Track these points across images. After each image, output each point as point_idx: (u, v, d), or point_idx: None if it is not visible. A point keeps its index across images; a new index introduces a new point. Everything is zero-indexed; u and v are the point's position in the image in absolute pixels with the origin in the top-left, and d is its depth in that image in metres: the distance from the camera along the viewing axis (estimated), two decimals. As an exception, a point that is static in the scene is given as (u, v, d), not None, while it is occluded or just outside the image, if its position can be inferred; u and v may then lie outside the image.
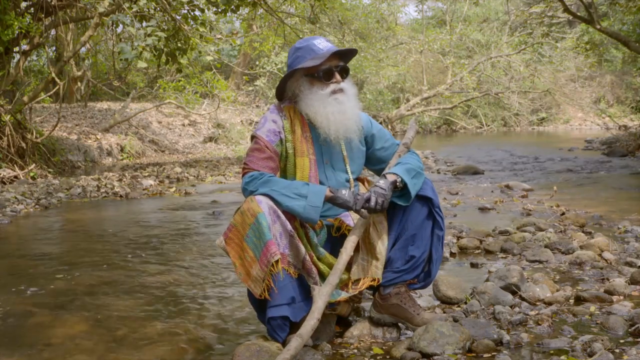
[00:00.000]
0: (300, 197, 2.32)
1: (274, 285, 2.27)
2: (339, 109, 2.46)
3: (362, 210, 2.34)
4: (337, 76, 2.49)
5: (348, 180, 2.57)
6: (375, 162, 2.66)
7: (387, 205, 2.35)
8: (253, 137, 2.51)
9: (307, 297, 2.36)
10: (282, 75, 2.57)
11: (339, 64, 2.50)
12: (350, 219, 2.52)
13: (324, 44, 2.48)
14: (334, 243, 2.51)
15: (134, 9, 9.13)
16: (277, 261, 2.24)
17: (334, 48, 2.48)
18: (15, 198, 6.75)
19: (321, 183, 2.50)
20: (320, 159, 2.53)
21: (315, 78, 2.49)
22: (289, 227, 2.33)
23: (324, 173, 2.52)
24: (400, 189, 2.40)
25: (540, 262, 3.63)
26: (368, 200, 2.32)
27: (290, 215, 2.35)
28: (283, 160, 2.52)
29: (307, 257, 2.35)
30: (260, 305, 2.39)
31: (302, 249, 2.34)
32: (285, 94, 2.58)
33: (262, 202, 2.30)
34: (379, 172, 2.60)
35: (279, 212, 2.31)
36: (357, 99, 2.56)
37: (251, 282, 2.31)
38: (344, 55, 2.55)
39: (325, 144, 2.53)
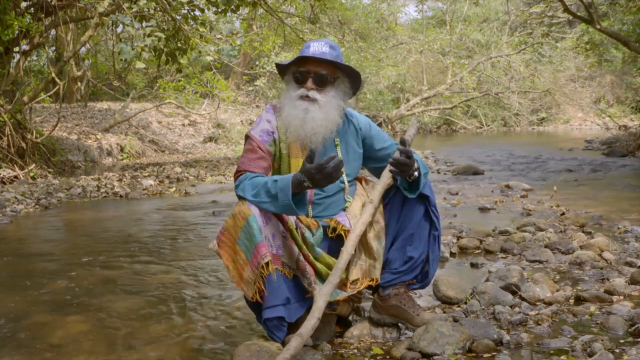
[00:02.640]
0: (272, 198, 2.28)
1: (265, 287, 2.27)
2: (301, 117, 2.41)
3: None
4: (309, 82, 2.44)
5: (342, 182, 2.55)
6: (375, 161, 2.66)
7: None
8: (247, 137, 2.50)
9: (303, 298, 2.36)
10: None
11: (318, 72, 2.44)
12: (346, 219, 2.51)
13: (314, 48, 2.44)
14: (331, 243, 2.50)
15: (134, 9, 9.13)
16: (267, 263, 2.23)
17: (318, 54, 2.42)
18: (15, 198, 6.75)
19: None
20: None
21: (293, 79, 2.50)
22: (281, 227, 2.33)
23: None
24: (412, 180, 2.41)
25: (540, 262, 3.63)
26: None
27: (282, 215, 2.35)
28: (277, 161, 2.51)
29: (301, 258, 2.34)
30: (257, 307, 2.39)
31: (296, 249, 2.34)
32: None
33: (252, 204, 2.30)
34: (379, 172, 2.59)
35: (270, 213, 2.31)
36: (334, 111, 2.46)
37: (244, 284, 2.30)
38: (347, 69, 2.50)
39: (320, 147, 2.52)
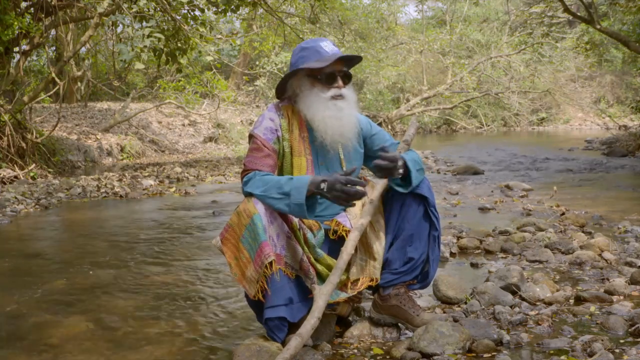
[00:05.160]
0: (284, 195, 2.30)
1: (268, 286, 2.27)
2: (336, 115, 2.45)
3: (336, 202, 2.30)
4: (340, 81, 2.49)
5: None
6: (375, 160, 2.66)
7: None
8: (251, 137, 2.51)
9: (305, 298, 2.36)
10: (283, 75, 2.58)
11: (342, 69, 2.50)
12: (347, 220, 2.51)
13: (330, 47, 2.49)
14: (332, 244, 2.50)
15: (134, 9, 9.13)
16: (270, 262, 2.23)
17: (340, 53, 2.49)
18: (15, 198, 6.75)
19: None
20: (315, 160, 2.53)
21: (317, 80, 2.48)
22: (286, 228, 2.32)
23: (319, 174, 2.52)
24: (402, 178, 2.41)
25: (540, 262, 3.63)
26: (338, 198, 2.27)
27: (286, 216, 2.35)
28: (280, 159, 2.52)
29: (305, 258, 2.34)
30: (258, 306, 2.39)
31: (300, 250, 2.34)
32: (286, 92, 2.58)
33: (258, 203, 2.29)
34: None
35: (276, 213, 2.31)
36: (356, 105, 2.55)
37: (246, 282, 2.31)
38: (349, 60, 2.55)
39: (321, 146, 2.52)
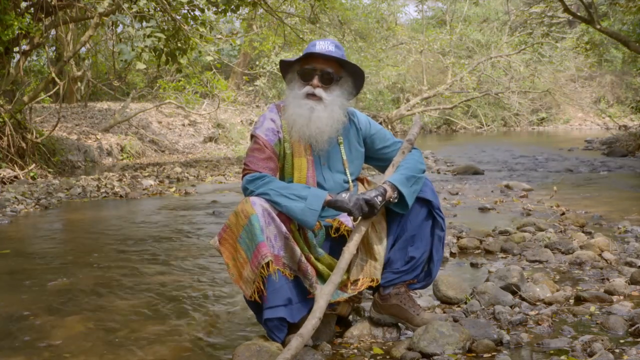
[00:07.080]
0: (299, 198, 2.30)
1: (264, 287, 2.26)
2: (306, 115, 2.42)
3: (355, 212, 2.33)
4: (316, 80, 2.45)
5: (346, 182, 2.56)
6: (378, 160, 2.66)
7: (378, 211, 2.36)
8: (252, 137, 2.51)
9: (305, 298, 2.36)
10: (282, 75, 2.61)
11: (324, 69, 2.45)
12: (349, 219, 2.51)
13: (322, 45, 2.46)
14: (333, 243, 2.50)
15: (134, 9, 9.12)
16: (267, 263, 2.23)
17: (325, 52, 2.44)
18: (15, 198, 6.74)
19: (319, 184, 2.50)
20: (317, 160, 2.52)
21: (298, 76, 2.50)
22: (284, 229, 2.32)
23: (321, 174, 2.51)
24: (397, 198, 2.40)
25: (540, 262, 3.63)
26: (360, 208, 2.31)
27: (286, 217, 2.34)
28: (281, 160, 2.51)
29: (303, 259, 2.34)
30: (257, 306, 2.38)
31: (298, 250, 2.33)
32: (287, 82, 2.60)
33: (256, 203, 2.29)
34: (383, 169, 2.61)
35: (274, 214, 2.30)
36: (339, 110, 2.47)
37: (242, 283, 2.31)
38: (348, 64, 2.51)
39: (326, 145, 2.51)
